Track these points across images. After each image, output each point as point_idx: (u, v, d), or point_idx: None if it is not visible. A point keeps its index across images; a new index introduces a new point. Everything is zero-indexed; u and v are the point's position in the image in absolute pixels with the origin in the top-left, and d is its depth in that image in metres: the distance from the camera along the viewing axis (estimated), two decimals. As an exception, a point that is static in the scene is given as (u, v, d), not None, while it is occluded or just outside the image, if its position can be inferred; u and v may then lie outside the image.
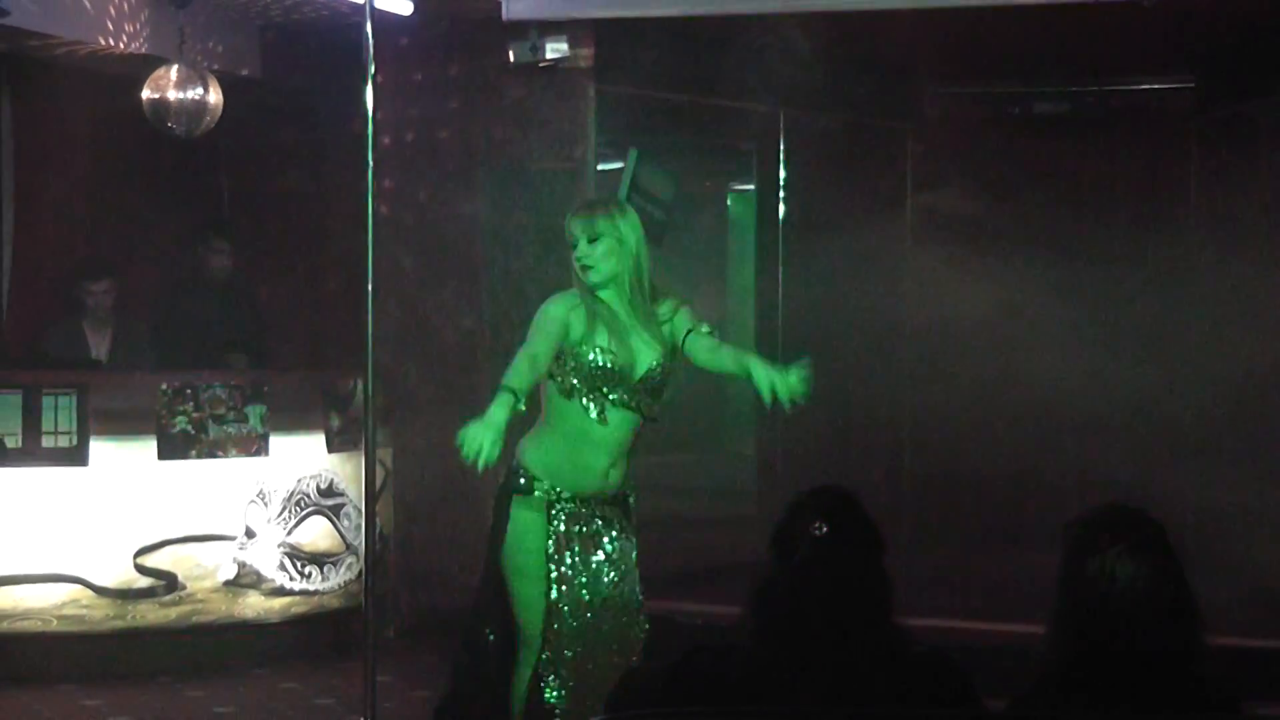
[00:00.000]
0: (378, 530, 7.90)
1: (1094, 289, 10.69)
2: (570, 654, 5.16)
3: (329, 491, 8.21)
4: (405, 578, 8.76)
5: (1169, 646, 3.19)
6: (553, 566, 5.12)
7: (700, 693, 3.21)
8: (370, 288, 6.83)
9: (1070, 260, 10.87)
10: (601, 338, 5.06)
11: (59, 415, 7.64)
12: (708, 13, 8.55)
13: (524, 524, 5.12)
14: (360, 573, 8.04)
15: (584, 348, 5.04)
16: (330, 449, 8.23)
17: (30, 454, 7.61)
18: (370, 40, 6.91)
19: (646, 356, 5.11)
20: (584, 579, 5.17)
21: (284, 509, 8.07)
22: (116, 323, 8.55)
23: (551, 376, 5.07)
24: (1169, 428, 10.66)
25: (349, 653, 7.80)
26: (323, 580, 8.20)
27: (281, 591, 8.07)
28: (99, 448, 7.68)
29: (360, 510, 8.16)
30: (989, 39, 9.66)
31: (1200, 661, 3.21)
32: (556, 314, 5.07)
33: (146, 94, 8.25)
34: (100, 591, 7.71)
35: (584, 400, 5.06)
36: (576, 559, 5.15)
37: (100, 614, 7.71)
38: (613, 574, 5.23)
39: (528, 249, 8.71)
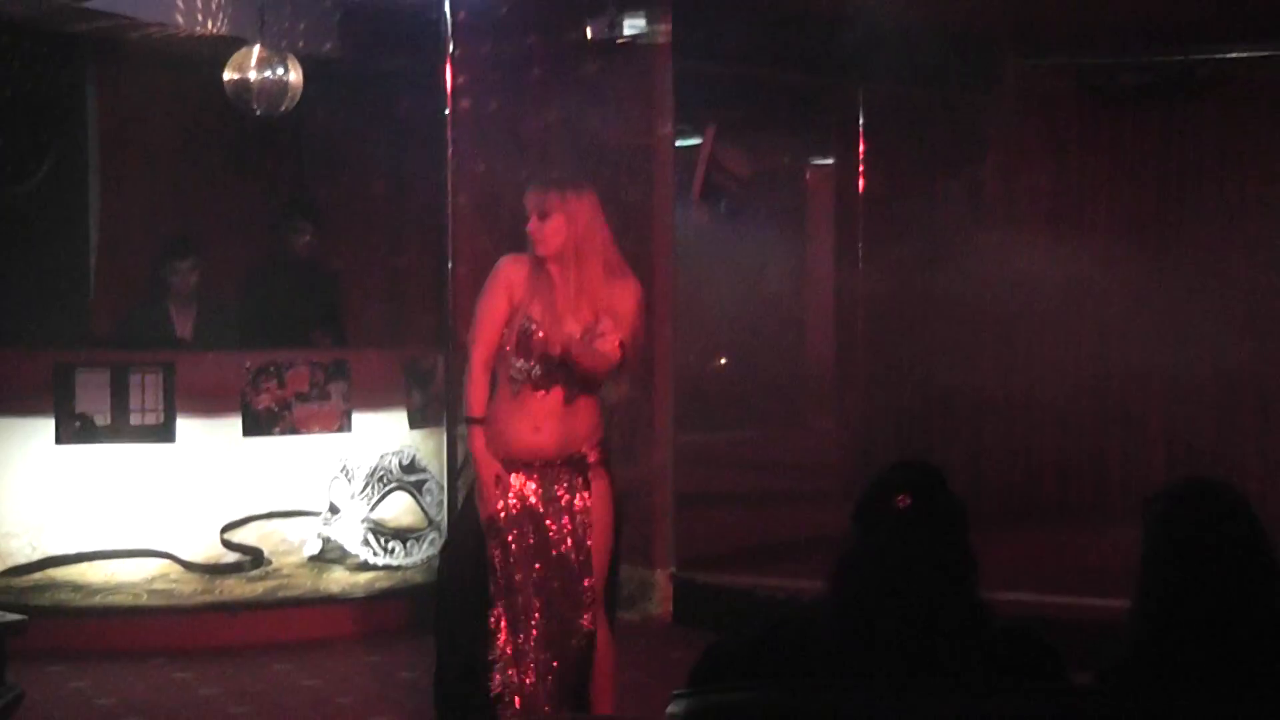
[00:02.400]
0: (459, 506, 7.96)
1: (1179, 264, 10.58)
2: (514, 611, 5.43)
3: (411, 467, 8.26)
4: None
5: (1256, 619, 3.17)
6: (498, 530, 5.42)
7: (782, 667, 3.21)
8: (450, 266, 6.90)
9: (1155, 235, 10.77)
10: (535, 307, 5.34)
11: (146, 393, 7.72)
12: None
13: (475, 480, 5.49)
14: (442, 548, 8.11)
15: (519, 314, 5.36)
16: (412, 425, 8.27)
17: (119, 431, 7.70)
18: (448, 18, 6.96)
19: (569, 325, 5.33)
20: (521, 535, 5.43)
21: (367, 485, 8.12)
22: (201, 302, 8.62)
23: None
24: (1256, 402, 10.57)
25: (432, 627, 7.84)
26: (406, 555, 8.25)
27: (365, 566, 8.13)
28: (185, 425, 7.76)
29: (442, 486, 8.22)
30: (1071, 8, 9.55)
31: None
32: (506, 275, 5.42)
33: (228, 75, 8.31)
34: (188, 566, 7.80)
35: (514, 362, 5.38)
36: (515, 515, 5.42)
37: (189, 588, 7.80)
38: (556, 534, 5.44)
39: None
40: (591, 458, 5.46)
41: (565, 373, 5.35)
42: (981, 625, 3.25)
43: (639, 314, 5.47)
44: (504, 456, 5.42)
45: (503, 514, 5.43)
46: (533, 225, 5.35)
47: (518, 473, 5.43)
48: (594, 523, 5.46)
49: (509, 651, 5.44)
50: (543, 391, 5.38)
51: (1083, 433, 10.86)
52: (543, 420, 5.38)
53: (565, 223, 5.35)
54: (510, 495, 5.44)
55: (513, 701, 5.44)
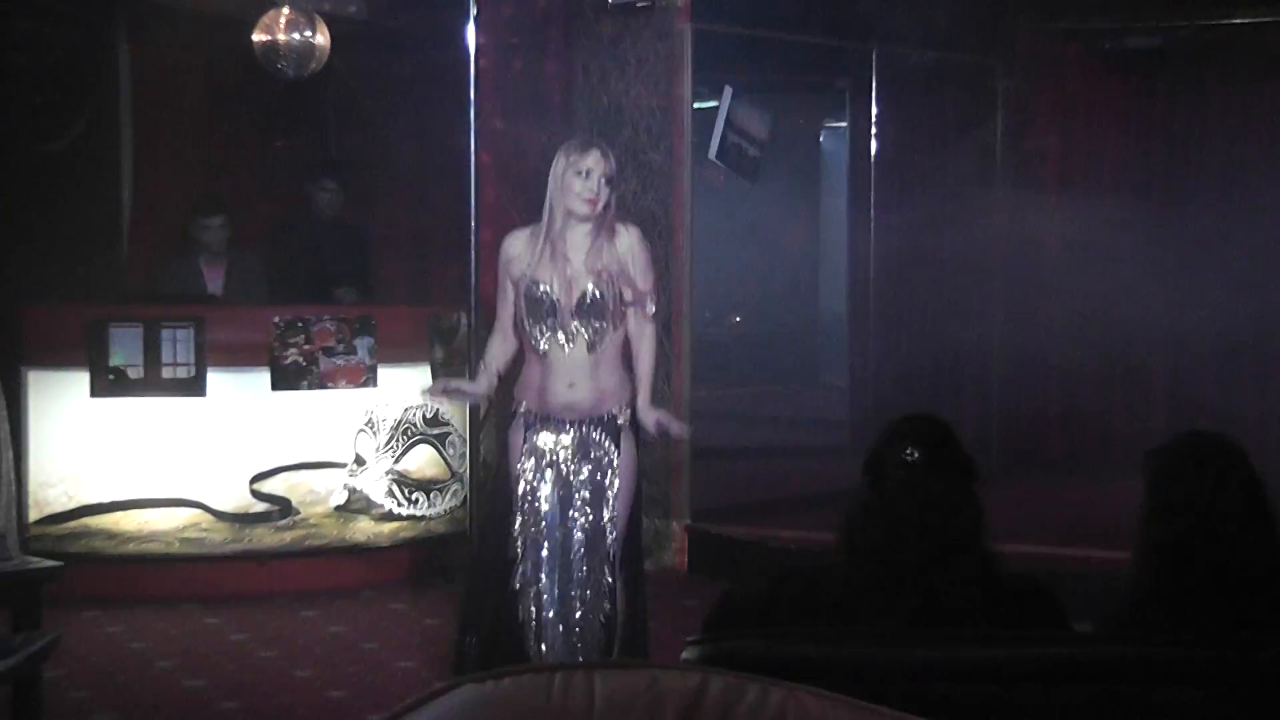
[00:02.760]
0: (481, 458, 7.98)
1: (1185, 226, 10.56)
2: (537, 565, 5.47)
3: (435, 421, 8.28)
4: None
5: (1253, 569, 3.18)
6: (523, 478, 5.49)
7: (795, 615, 3.23)
8: (473, 224, 6.90)
9: (1161, 198, 10.74)
10: (541, 272, 5.39)
11: (177, 348, 7.75)
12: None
13: (511, 442, 5.57)
14: (465, 499, 8.12)
15: (527, 282, 5.40)
16: (435, 380, 8.28)
17: (151, 384, 7.73)
18: (472, -19, 6.93)
19: (584, 282, 5.37)
20: (546, 492, 5.49)
21: (392, 438, 8.14)
22: (230, 258, 8.63)
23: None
24: (1256, 360, 10.56)
25: (454, 575, 7.88)
26: (429, 506, 8.28)
27: (390, 517, 8.16)
28: (215, 378, 7.78)
29: (465, 439, 8.24)
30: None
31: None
32: (507, 257, 5.50)
33: (256, 37, 8.30)
34: (219, 516, 7.84)
35: (532, 328, 5.43)
36: (543, 474, 5.48)
37: (219, 537, 7.84)
38: (584, 491, 5.49)
39: (625, 183, 8.71)
40: (622, 419, 5.49)
41: (584, 326, 5.38)
42: (988, 575, 3.26)
43: (646, 252, 5.50)
44: (541, 413, 5.48)
45: (530, 475, 5.49)
46: (591, 187, 5.34)
47: (550, 431, 5.47)
48: (620, 483, 5.48)
49: (534, 611, 5.48)
50: (574, 351, 5.41)
51: (1088, 388, 10.86)
52: (576, 376, 5.42)
53: (609, 186, 5.41)
54: (538, 453, 5.49)
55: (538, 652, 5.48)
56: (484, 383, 5.66)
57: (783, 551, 7.99)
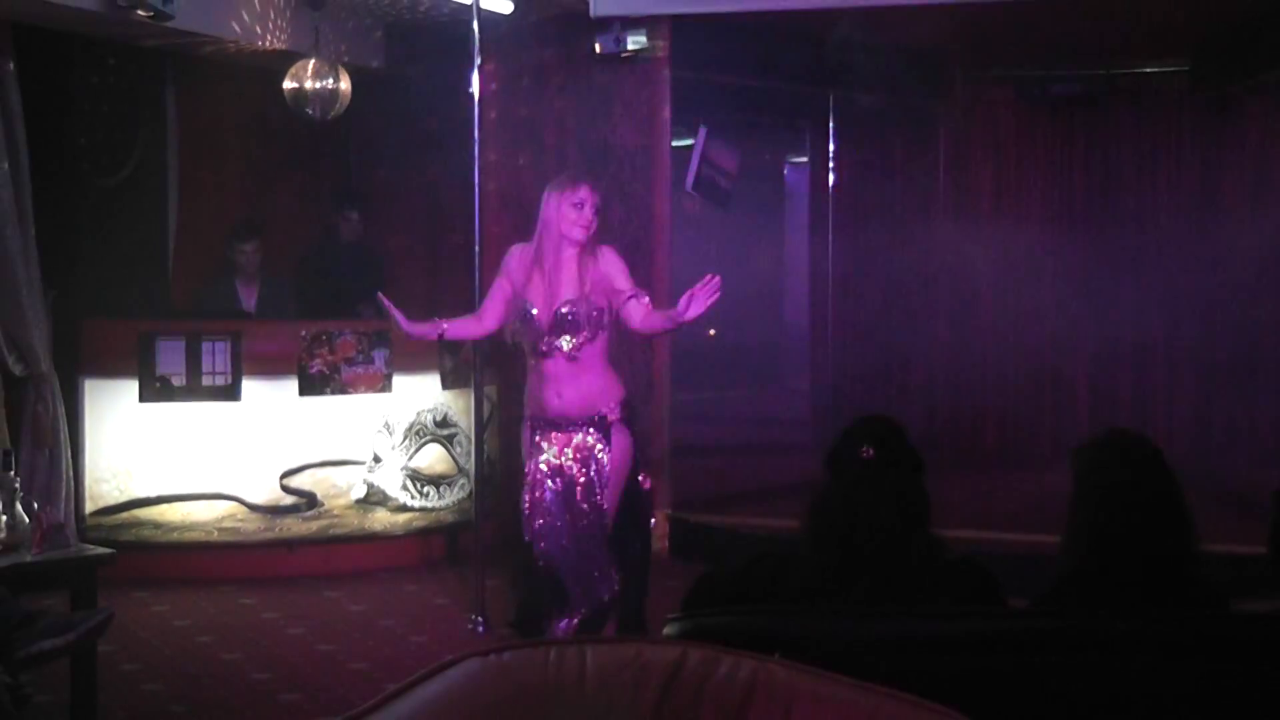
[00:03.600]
0: (485, 455, 7.96)
1: (1103, 249, 10.59)
2: (551, 552, 5.52)
3: (444, 423, 8.26)
4: (509, 495, 8.79)
5: (1167, 552, 3.17)
6: (531, 476, 5.53)
7: (765, 593, 3.22)
8: (478, 247, 6.87)
9: (1082, 224, 10.78)
10: (530, 292, 5.42)
11: (216, 358, 7.72)
12: (768, 9, 8.49)
13: (522, 441, 5.62)
14: (471, 492, 8.10)
15: (518, 298, 5.45)
16: (444, 386, 8.27)
17: (192, 391, 7.70)
18: (476, 34, 6.91)
19: (561, 299, 5.38)
20: (551, 487, 5.50)
21: (405, 438, 8.12)
22: (263, 279, 8.60)
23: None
24: (1165, 367, 10.60)
25: (461, 560, 7.86)
26: (439, 498, 8.26)
27: (404, 508, 8.14)
28: (249, 386, 7.75)
29: (470, 438, 8.21)
30: (1010, 29, 9.54)
31: (1194, 565, 3.19)
32: (509, 264, 5.53)
33: (287, 84, 8.28)
34: (253, 508, 7.80)
35: (526, 344, 5.49)
36: (542, 467, 5.50)
37: (253, 527, 7.80)
38: (580, 486, 5.49)
39: (612, 212, 8.68)
40: (612, 417, 5.47)
41: (574, 344, 5.40)
42: (935, 558, 3.25)
43: (621, 261, 5.52)
44: (542, 418, 5.50)
45: (535, 470, 5.51)
46: (586, 216, 5.39)
47: (546, 431, 5.49)
48: (610, 473, 5.47)
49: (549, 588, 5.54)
50: (556, 362, 5.43)
51: (1020, 391, 10.88)
52: (562, 387, 5.44)
53: (598, 218, 5.45)
54: (542, 454, 5.51)
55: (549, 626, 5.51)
56: (422, 327, 5.59)
57: (753, 537, 7.98)
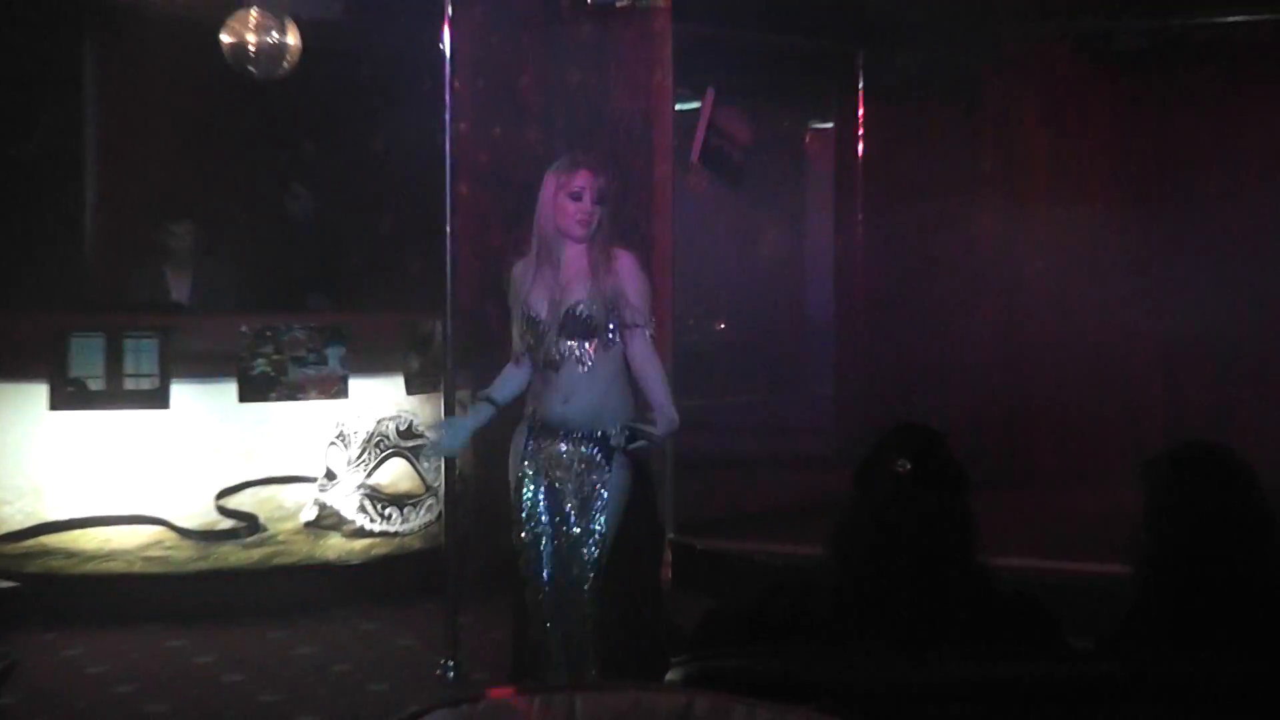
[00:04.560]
0: (457, 472, 7.93)
1: (1178, 231, 10.56)
2: (535, 568, 5.55)
3: (409, 433, 8.25)
4: (485, 519, 8.78)
5: (1254, 582, 3.16)
6: (525, 485, 5.53)
7: (781, 633, 3.21)
8: (448, 229, 6.86)
9: (1153, 202, 10.75)
10: (537, 293, 5.43)
11: (141, 358, 7.70)
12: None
13: (512, 446, 5.60)
14: (440, 514, 8.08)
15: (523, 305, 5.45)
16: (410, 390, 8.26)
17: (113, 396, 7.68)
18: (446, -20, 6.90)
19: (571, 300, 5.38)
20: (540, 498, 5.53)
21: (364, 451, 8.11)
22: (197, 265, 8.60)
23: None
24: (1254, 367, 10.58)
25: (430, 594, 7.85)
26: (403, 522, 8.25)
27: (362, 533, 8.13)
28: (180, 390, 7.73)
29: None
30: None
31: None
32: (513, 284, 5.52)
33: (225, 38, 8.27)
34: (183, 533, 7.79)
35: (530, 348, 5.48)
36: (538, 481, 5.52)
37: (183, 555, 7.79)
38: (570, 504, 5.50)
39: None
40: (615, 439, 5.46)
41: (587, 350, 5.40)
42: (980, 590, 3.24)
43: (641, 276, 5.48)
44: (542, 421, 5.50)
45: (526, 481, 5.54)
46: (584, 208, 5.39)
47: (543, 436, 5.50)
48: (608, 500, 5.47)
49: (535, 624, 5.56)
50: (567, 372, 5.43)
51: (1082, 396, 10.86)
52: (569, 392, 5.44)
53: (604, 206, 5.43)
54: (533, 464, 5.54)
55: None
56: (483, 413, 5.69)
57: (769, 566, 7.97)
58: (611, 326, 5.42)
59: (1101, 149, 10.94)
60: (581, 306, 5.39)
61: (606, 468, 5.50)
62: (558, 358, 5.43)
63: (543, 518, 5.54)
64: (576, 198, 5.39)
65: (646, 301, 5.46)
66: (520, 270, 5.54)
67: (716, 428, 12.41)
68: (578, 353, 5.43)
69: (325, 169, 9.41)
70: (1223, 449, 3.35)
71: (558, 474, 5.51)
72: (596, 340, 5.42)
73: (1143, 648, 3.13)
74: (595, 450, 5.49)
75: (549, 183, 5.46)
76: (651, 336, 5.48)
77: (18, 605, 5.37)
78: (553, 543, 5.54)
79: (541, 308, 5.43)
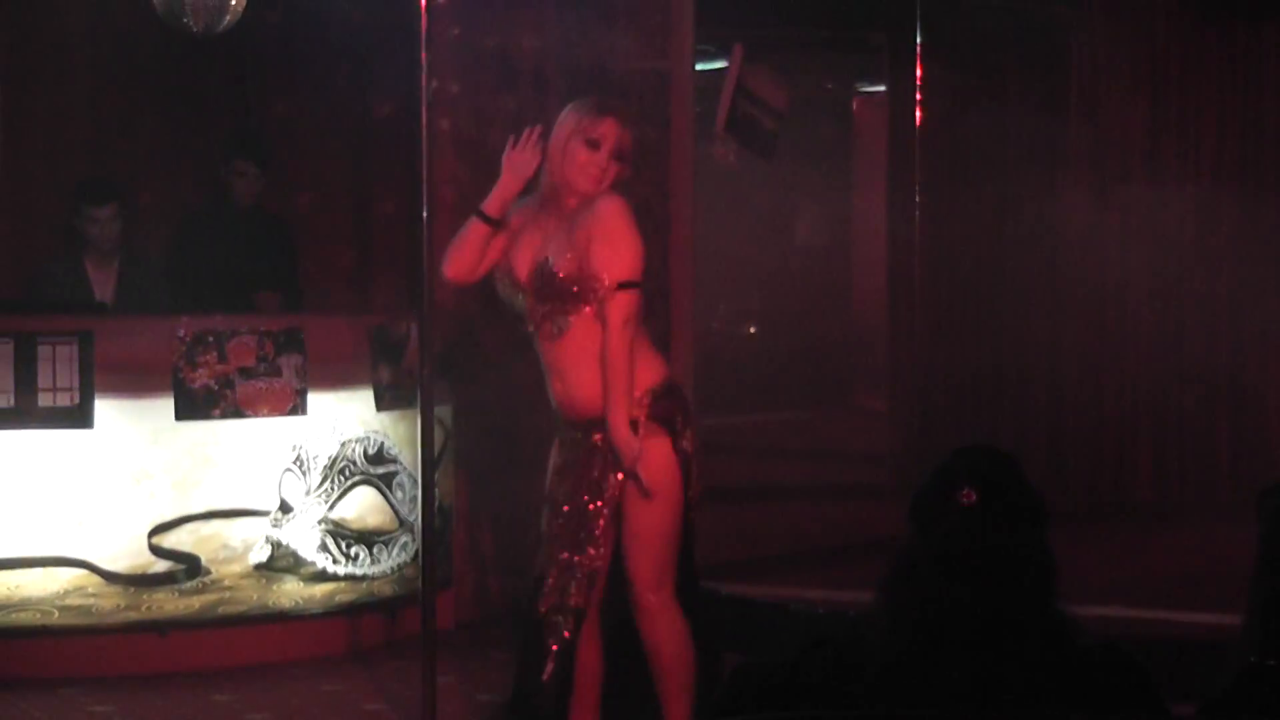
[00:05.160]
0: (436, 503, 7.96)
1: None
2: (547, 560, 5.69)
3: (379, 458, 8.26)
4: (470, 559, 8.82)
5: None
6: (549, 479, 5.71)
7: (823, 694, 3.22)
8: (425, 215, 6.88)
9: (1274, 182, 10.76)
10: (516, 253, 5.60)
11: (58, 368, 7.72)
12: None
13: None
14: (416, 554, 8.10)
15: (502, 268, 5.63)
16: (380, 407, 8.27)
17: (25, 414, 7.69)
18: (422, -82, 6.93)
19: (556, 245, 5.49)
20: (555, 493, 5.70)
21: (326, 479, 8.13)
22: (123, 257, 8.61)
23: None
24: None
25: (403, 649, 7.87)
26: (372, 563, 8.27)
27: (323, 576, 8.14)
28: (105, 407, 7.75)
29: (416, 480, 8.21)
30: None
31: None
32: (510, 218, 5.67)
33: (156, -15, 8.29)
34: (109, 577, 7.80)
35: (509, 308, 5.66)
36: (554, 474, 5.71)
37: (109, 604, 7.80)
38: (577, 493, 5.63)
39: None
40: (639, 415, 5.48)
41: (553, 314, 5.49)
42: (1062, 644, 3.25)
43: (615, 221, 5.50)
44: (559, 409, 5.65)
45: (550, 473, 5.72)
46: (600, 160, 5.50)
47: (564, 429, 5.65)
48: (632, 509, 5.50)
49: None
50: (552, 343, 5.54)
51: (1185, 415, 10.87)
52: (559, 369, 5.55)
53: (619, 159, 5.54)
54: (554, 463, 5.72)
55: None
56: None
57: (808, 616, 7.99)
58: (592, 284, 5.43)
59: (1211, 117, 10.95)
60: (550, 261, 5.43)
61: (613, 458, 5.52)
62: (532, 328, 5.54)
63: (563, 533, 5.61)
64: (594, 146, 5.49)
65: (627, 256, 5.45)
66: (517, 213, 5.61)
67: (744, 451, 12.45)
68: (556, 321, 5.46)
69: (278, 140, 9.42)
70: (1353, 475, 3.36)
71: (569, 481, 5.63)
72: (569, 305, 5.45)
73: (1257, 714, 3.14)
74: (603, 438, 5.50)
75: (567, 121, 5.56)
76: (621, 304, 5.43)
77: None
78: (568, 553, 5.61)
79: (523, 267, 5.52)
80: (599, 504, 5.54)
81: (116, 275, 8.58)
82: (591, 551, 5.55)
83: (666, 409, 5.54)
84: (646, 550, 5.54)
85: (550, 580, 5.61)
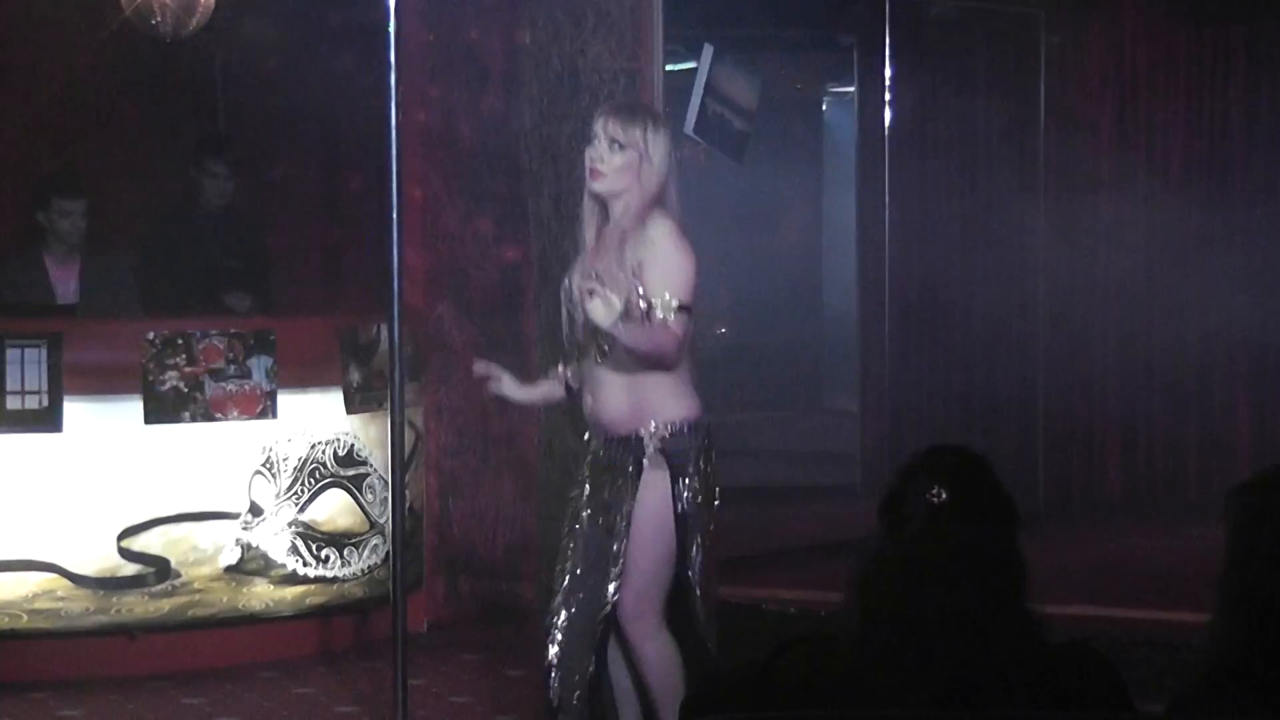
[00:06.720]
0: (407, 505, 7.96)
1: (1271, 214, 10.60)
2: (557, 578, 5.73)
3: (349, 459, 8.26)
4: (440, 561, 8.82)
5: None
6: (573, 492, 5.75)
7: (792, 696, 3.23)
8: (395, 215, 6.88)
9: (1244, 184, 10.78)
10: (575, 272, 5.61)
11: (26, 371, 7.71)
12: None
13: None
14: (387, 556, 8.10)
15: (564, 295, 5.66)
16: (350, 409, 8.27)
17: (-8, 417, 7.70)
18: (392, -81, 6.93)
19: (601, 259, 5.48)
20: (575, 507, 5.72)
21: (296, 481, 8.12)
22: (88, 257, 8.57)
23: None
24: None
25: (374, 651, 7.87)
26: (342, 565, 8.26)
27: (293, 579, 8.14)
28: (74, 409, 7.74)
29: (386, 482, 8.21)
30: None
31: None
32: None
33: (124, -14, 8.29)
34: (78, 581, 7.79)
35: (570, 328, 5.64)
36: (574, 491, 5.74)
37: (79, 607, 7.79)
38: (590, 513, 5.66)
39: (582, 168, 8.70)
40: (652, 445, 5.48)
41: (599, 336, 5.42)
42: (1031, 643, 3.26)
43: (668, 246, 5.46)
44: (591, 420, 5.66)
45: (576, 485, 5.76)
46: (600, 153, 5.53)
47: (593, 441, 5.67)
48: (635, 533, 5.50)
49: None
50: (584, 360, 5.58)
51: (1154, 414, 10.89)
52: (594, 389, 5.55)
53: (638, 160, 5.50)
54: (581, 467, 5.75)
55: None
56: (541, 389, 5.92)
57: (780, 615, 8.00)
58: (640, 305, 5.38)
59: (1182, 120, 10.97)
60: (597, 278, 5.37)
61: (637, 480, 5.51)
62: (578, 350, 5.59)
63: (586, 550, 5.63)
64: (591, 142, 5.55)
65: (671, 282, 5.40)
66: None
67: (717, 452, 12.41)
68: (597, 341, 5.46)
69: (248, 140, 9.41)
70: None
71: (591, 483, 5.66)
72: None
73: (1225, 711, 3.16)
74: (626, 456, 5.52)
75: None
76: (662, 322, 5.38)
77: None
78: (583, 573, 5.63)
79: (573, 283, 5.57)
80: (617, 525, 5.54)
81: (81, 275, 8.54)
82: (610, 571, 5.57)
83: (679, 446, 5.53)
84: (626, 580, 5.54)
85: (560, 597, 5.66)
